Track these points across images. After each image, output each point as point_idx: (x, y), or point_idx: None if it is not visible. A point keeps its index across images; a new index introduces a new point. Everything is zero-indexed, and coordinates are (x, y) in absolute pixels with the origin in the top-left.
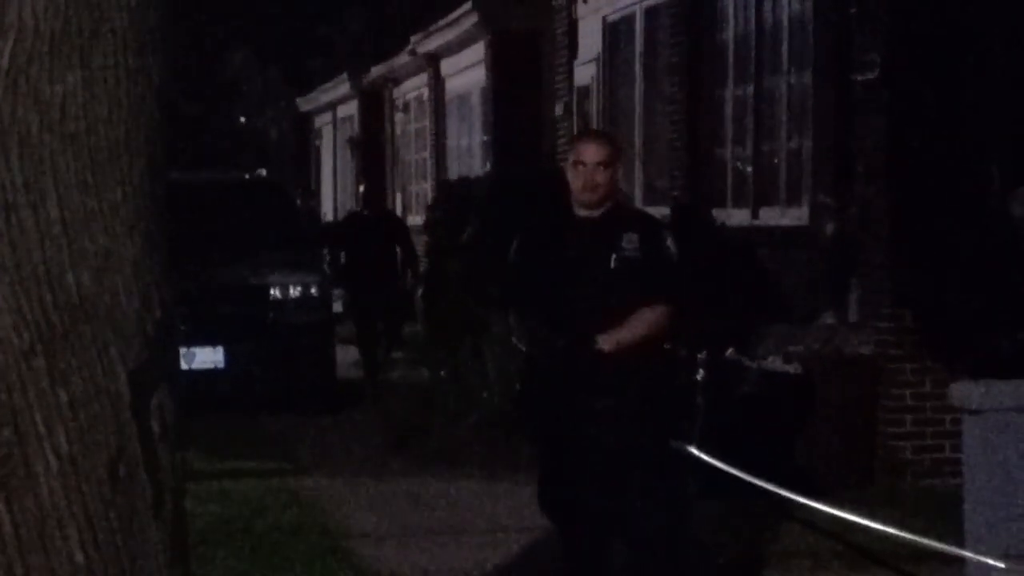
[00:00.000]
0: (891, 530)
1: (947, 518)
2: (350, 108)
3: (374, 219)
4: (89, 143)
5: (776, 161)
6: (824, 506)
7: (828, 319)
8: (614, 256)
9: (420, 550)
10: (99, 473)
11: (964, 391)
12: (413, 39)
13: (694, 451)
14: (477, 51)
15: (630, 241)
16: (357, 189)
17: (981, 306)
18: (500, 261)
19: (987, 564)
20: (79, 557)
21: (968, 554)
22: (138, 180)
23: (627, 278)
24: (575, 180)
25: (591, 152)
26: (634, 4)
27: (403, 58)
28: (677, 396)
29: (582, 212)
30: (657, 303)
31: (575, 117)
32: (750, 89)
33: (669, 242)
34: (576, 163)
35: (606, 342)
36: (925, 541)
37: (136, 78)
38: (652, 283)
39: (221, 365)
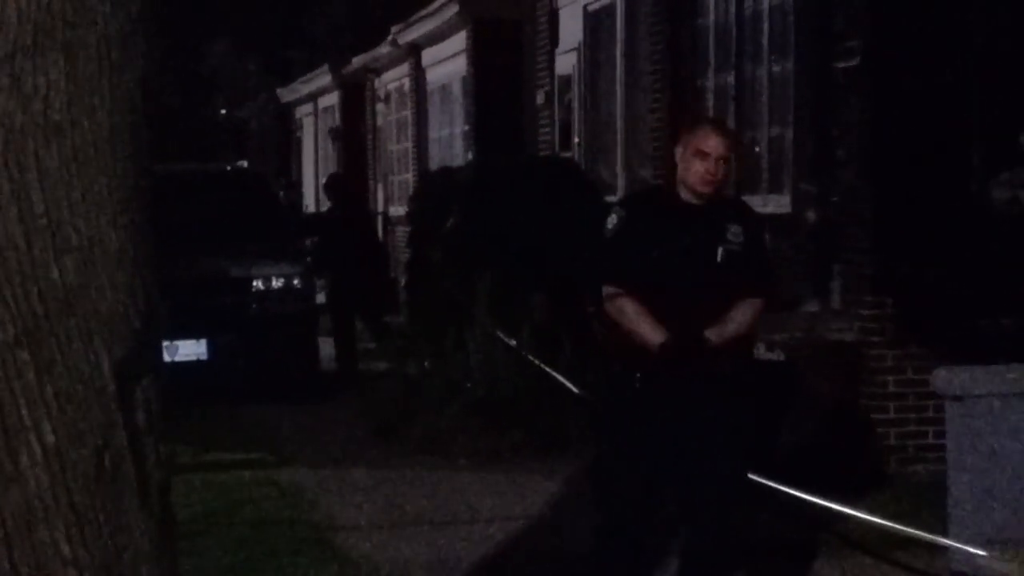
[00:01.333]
0: (874, 519)
1: (931, 504)
2: (331, 99)
3: (352, 210)
4: (73, 135)
5: (758, 149)
6: (808, 496)
7: (811, 306)
8: (721, 249)
9: (404, 540)
10: (85, 465)
11: (947, 377)
12: (394, 29)
13: None
14: (458, 41)
15: (735, 233)
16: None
17: (963, 292)
18: (590, 241)
19: (973, 552)
20: (65, 549)
21: (949, 542)
22: (122, 172)
23: (731, 271)
24: (693, 168)
25: (717, 144)
26: None
27: (384, 48)
28: (754, 391)
29: (689, 198)
30: (755, 297)
31: (556, 106)
32: (731, 77)
33: (766, 236)
34: (699, 151)
35: (714, 335)
36: (908, 530)
37: (119, 70)
38: (753, 277)
39: (204, 357)
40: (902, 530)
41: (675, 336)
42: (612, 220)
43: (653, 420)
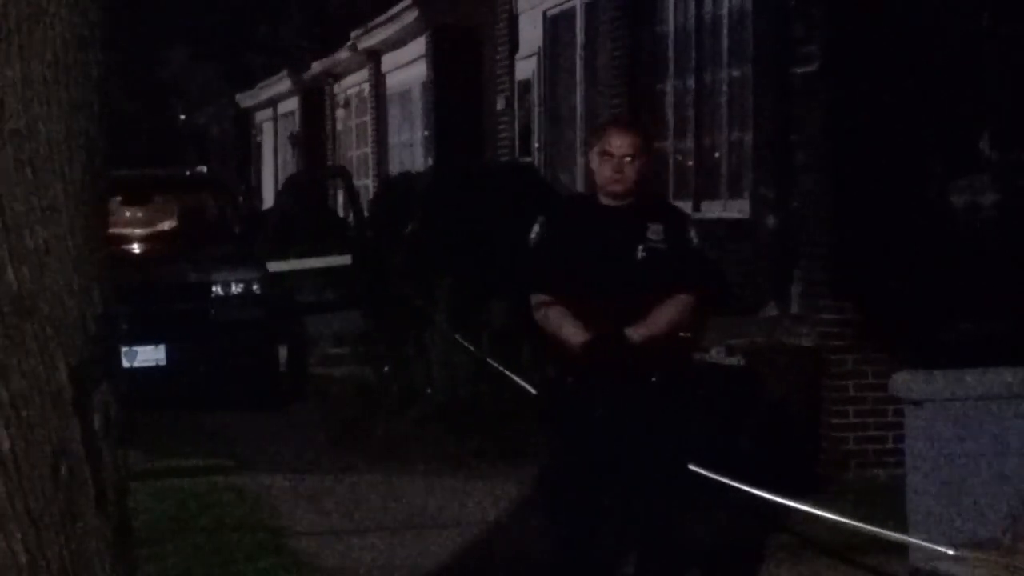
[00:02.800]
0: (843, 519)
1: (890, 508)
2: (291, 104)
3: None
4: (29, 140)
5: (717, 154)
6: (773, 496)
7: (770, 311)
8: (641, 247)
9: (363, 546)
10: (41, 470)
11: (906, 382)
12: (353, 35)
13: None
14: (418, 46)
15: (656, 232)
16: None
17: (923, 297)
18: (517, 248)
19: (937, 552)
20: (22, 555)
21: (920, 542)
22: (78, 176)
23: (654, 269)
24: (602, 169)
25: (621, 143)
26: None
27: (344, 54)
28: (693, 389)
29: (607, 201)
30: (681, 294)
31: (516, 111)
32: (690, 82)
33: (693, 233)
34: (604, 153)
35: (634, 334)
36: (877, 530)
37: (76, 74)
38: (677, 274)
39: (163, 363)
40: (869, 530)
41: (596, 336)
42: (535, 229)
43: (588, 424)
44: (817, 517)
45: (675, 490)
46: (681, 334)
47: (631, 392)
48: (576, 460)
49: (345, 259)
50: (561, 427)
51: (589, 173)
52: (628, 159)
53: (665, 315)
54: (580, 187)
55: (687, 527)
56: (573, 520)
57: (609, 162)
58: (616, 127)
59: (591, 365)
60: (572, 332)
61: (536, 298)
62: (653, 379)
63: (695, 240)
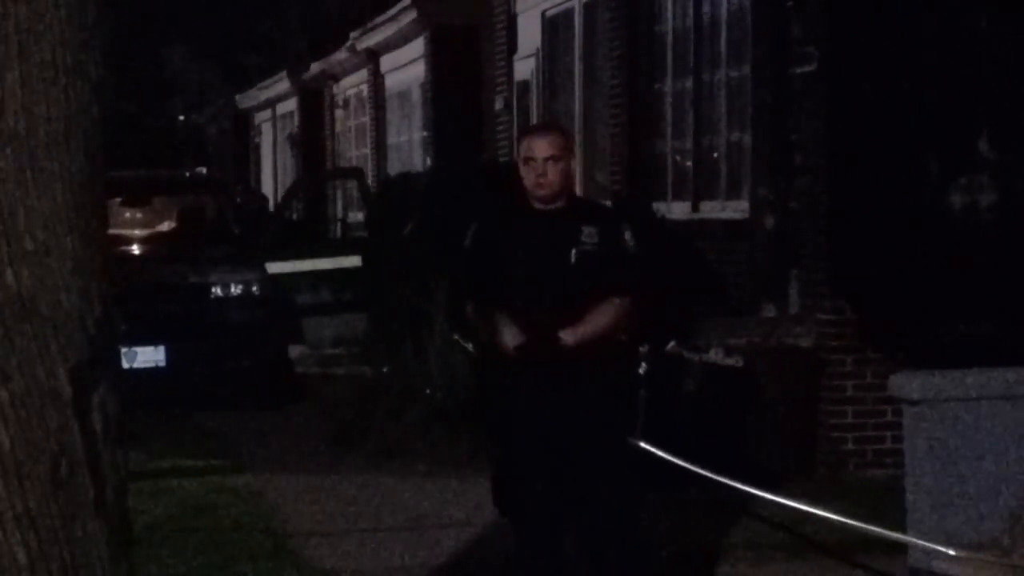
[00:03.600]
0: (844, 519)
1: (889, 509)
2: (290, 105)
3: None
4: (28, 141)
5: (716, 155)
6: (774, 496)
7: (769, 311)
8: (574, 250)
9: (362, 546)
10: (41, 471)
11: (904, 382)
12: (352, 35)
13: (643, 444)
14: (416, 47)
15: (589, 235)
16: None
17: (921, 298)
18: (453, 252)
19: (937, 552)
20: (21, 556)
21: (921, 543)
22: (77, 177)
23: (587, 272)
24: (527, 176)
25: (541, 147)
26: None
27: (342, 54)
28: (632, 390)
29: (539, 206)
30: (616, 296)
31: (515, 111)
32: (689, 83)
33: (628, 235)
34: (526, 159)
35: (568, 336)
36: (878, 530)
37: (74, 75)
38: (611, 276)
39: (163, 364)
40: (869, 530)
41: (529, 338)
42: (469, 234)
43: (524, 425)
44: (815, 517)
45: (621, 495)
46: (622, 338)
47: (566, 395)
48: (520, 464)
49: (355, 260)
50: (502, 431)
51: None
52: (550, 161)
53: (599, 318)
54: (577, 187)
55: (640, 529)
56: (521, 521)
57: (532, 167)
58: (536, 131)
59: (525, 367)
60: (507, 335)
61: (470, 302)
62: (589, 383)
63: (631, 242)
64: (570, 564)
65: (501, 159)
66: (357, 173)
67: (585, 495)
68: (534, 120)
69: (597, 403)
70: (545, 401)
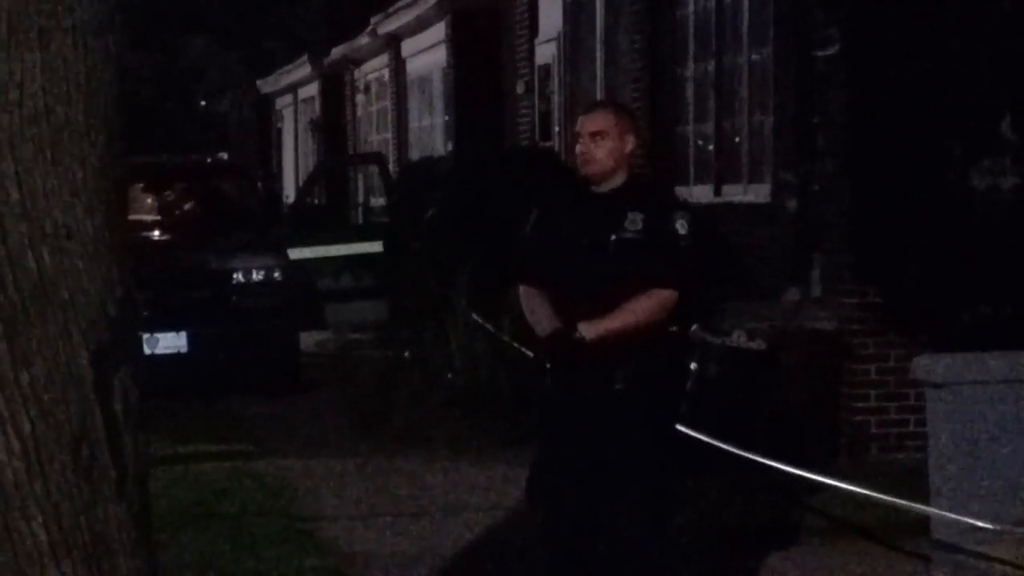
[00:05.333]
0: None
1: (913, 492)
2: (311, 90)
3: None
4: (49, 123)
5: (738, 138)
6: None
7: (792, 295)
8: (613, 237)
9: (385, 531)
10: (62, 455)
11: (927, 365)
12: (373, 20)
13: (685, 430)
14: (438, 31)
15: (632, 221)
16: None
17: (944, 281)
18: (514, 237)
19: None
20: (43, 537)
21: (954, 516)
22: (97, 160)
23: (625, 261)
24: (577, 152)
25: (586, 123)
26: None
27: (363, 39)
28: (679, 382)
29: (593, 188)
30: (658, 289)
31: (536, 96)
32: (711, 66)
33: (680, 224)
34: (575, 134)
35: (588, 330)
36: (909, 504)
37: (95, 59)
38: (654, 267)
39: (184, 350)
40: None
41: (553, 331)
42: (531, 216)
43: (556, 417)
44: (840, 498)
45: (646, 515)
46: (672, 329)
47: (592, 398)
48: (553, 459)
49: (376, 246)
50: (542, 422)
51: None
52: (597, 138)
53: (629, 312)
54: None
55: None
56: (553, 517)
57: (579, 143)
58: (586, 108)
59: (552, 364)
60: (542, 323)
61: (520, 288)
62: (617, 386)
63: (682, 232)
64: (593, 558)
65: (522, 143)
66: (378, 158)
67: (613, 496)
68: (556, 104)
69: (630, 401)
70: (574, 398)
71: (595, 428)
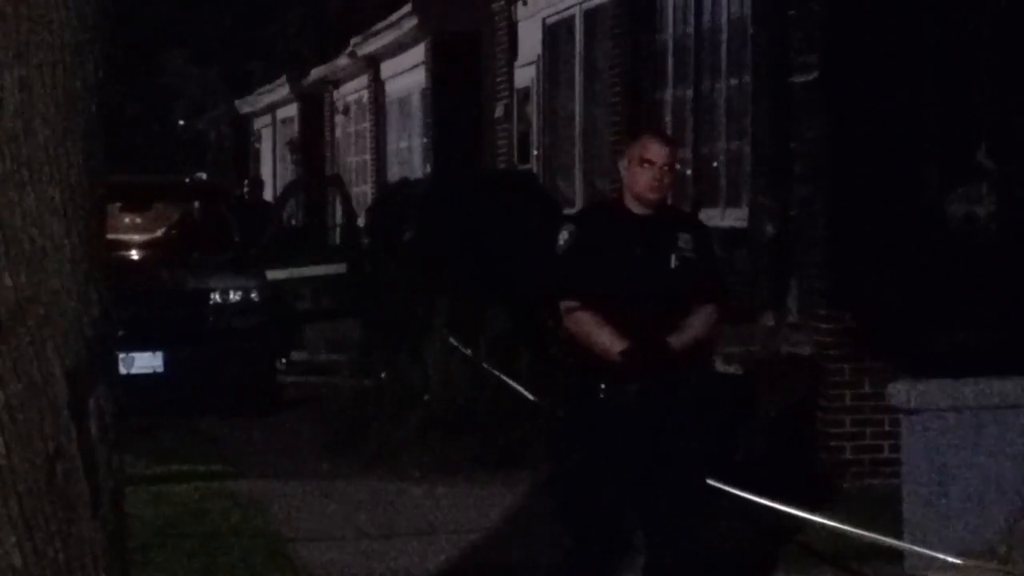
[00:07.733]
0: (847, 528)
1: (886, 518)
2: (290, 110)
3: None
4: (26, 142)
5: (716, 163)
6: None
7: (768, 320)
8: (674, 256)
9: (360, 552)
10: (36, 474)
11: (902, 391)
12: (353, 41)
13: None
14: (417, 53)
15: (685, 241)
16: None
17: (920, 307)
18: (541, 256)
19: (935, 560)
20: (16, 559)
21: (921, 550)
22: (76, 179)
23: (685, 278)
24: (639, 178)
25: (662, 153)
26: (573, 6)
27: (343, 60)
28: (713, 397)
29: (637, 210)
30: (709, 304)
31: (515, 119)
32: (689, 91)
33: (714, 244)
34: (645, 160)
35: (676, 341)
36: (879, 538)
37: (74, 77)
38: (705, 284)
39: (160, 370)
40: (873, 537)
41: (637, 343)
42: (563, 236)
43: (617, 432)
44: (813, 525)
45: (697, 505)
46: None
47: (670, 399)
48: (602, 471)
49: (340, 267)
50: (587, 437)
51: (617, 180)
52: (666, 168)
53: (700, 324)
54: (578, 194)
55: (702, 542)
56: (594, 532)
57: (649, 170)
58: (656, 136)
59: (630, 372)
60: (610, 339)
61: (566, 304)
62: (692, 383)
63: (716, 252)
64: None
65: (501, 166)
66: (335, 180)
67: (662, 503)
68: (534, 127)
69: (694, 407)
70: (646, 407)
71: (671, 424)
